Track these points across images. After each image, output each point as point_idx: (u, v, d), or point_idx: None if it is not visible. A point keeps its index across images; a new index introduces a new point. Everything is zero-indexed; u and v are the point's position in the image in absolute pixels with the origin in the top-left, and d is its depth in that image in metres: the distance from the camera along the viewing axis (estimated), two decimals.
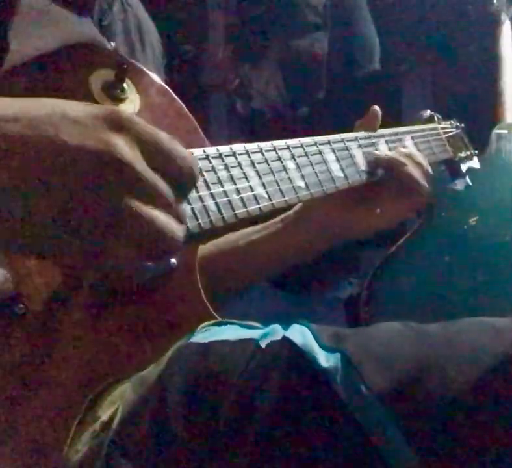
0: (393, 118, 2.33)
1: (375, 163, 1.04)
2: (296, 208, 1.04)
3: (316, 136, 0.95)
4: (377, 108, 1.09)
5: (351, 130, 1.08)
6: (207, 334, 0.70)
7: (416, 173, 1.07)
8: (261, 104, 2.21)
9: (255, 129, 2.26)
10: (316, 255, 1.06)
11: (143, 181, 0.51)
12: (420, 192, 1.08)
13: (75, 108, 0.51)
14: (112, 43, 0.85)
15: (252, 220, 0.81)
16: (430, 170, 1.12)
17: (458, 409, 0.59)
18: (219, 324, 0.73)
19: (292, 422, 0.61)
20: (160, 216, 0.52)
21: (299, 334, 0.66)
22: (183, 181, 0.55)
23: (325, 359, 0.63)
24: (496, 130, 1.75)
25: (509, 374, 0.60)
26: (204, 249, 0.96)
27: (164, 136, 0.54)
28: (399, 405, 0.60)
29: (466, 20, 2.20)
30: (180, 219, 0.55)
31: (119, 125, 0.51)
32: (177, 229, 0.54)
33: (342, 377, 0.61)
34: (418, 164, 1.08)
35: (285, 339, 0.66)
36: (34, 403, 0.60)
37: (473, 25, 2.17)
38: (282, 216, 1.05)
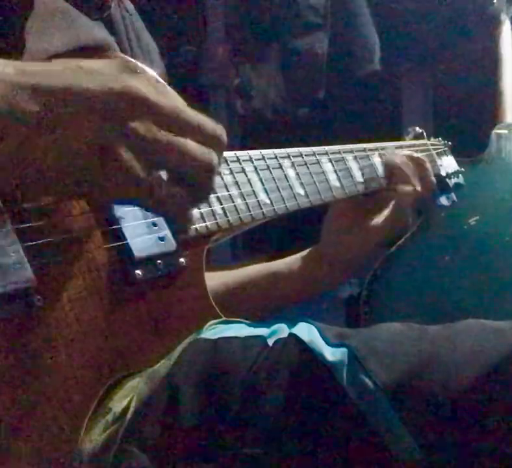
0: (393, 119, 2.33)
1: (385, 166, 1.05)
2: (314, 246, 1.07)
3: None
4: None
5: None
6: (215, 331, 0.73)
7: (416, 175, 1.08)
8: (261, 104, 2.21)
9: (255, 128, 2.26)
10: (337, 283, 1.09)
11: (170, 112, 0.56)
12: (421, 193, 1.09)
13: (87, 61, 0.56)
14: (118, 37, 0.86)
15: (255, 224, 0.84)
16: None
17: (459, 402, 0.61)
18: (226, 322, 0.75)
19: (299, 414, 0.64)
20: (188, 143, 0.57)
21: (306, 331, 0.69)
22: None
23: (331, 354, 0.66)
24: (496, 130, 1.75)
25: (508, 373, 0.61)
26: (228, 283, 1.00)
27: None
28: (402, 398, 0.62)
29: (466, 20, 2.20)
30: (211, 145, 0.59)
31: (131, 69, 0.56)
32: (203, 153, 0.58)
33: (348, 372, 0.64)
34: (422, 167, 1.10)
35: (292, 335, 0.69)
36: (48, 395, 0.61)
37: (473, 25, 2.17)
38: (302, 253, 1.08)
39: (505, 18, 1.96)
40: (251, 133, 2.27)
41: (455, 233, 1.63)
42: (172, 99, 0.58)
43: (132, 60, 0.59)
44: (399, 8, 2.28)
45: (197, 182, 0.59)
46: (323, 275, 1.05)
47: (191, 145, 0.57)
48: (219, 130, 0.60)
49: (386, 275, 1.59)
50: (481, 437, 0.60)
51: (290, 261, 1.06)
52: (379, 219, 1.06)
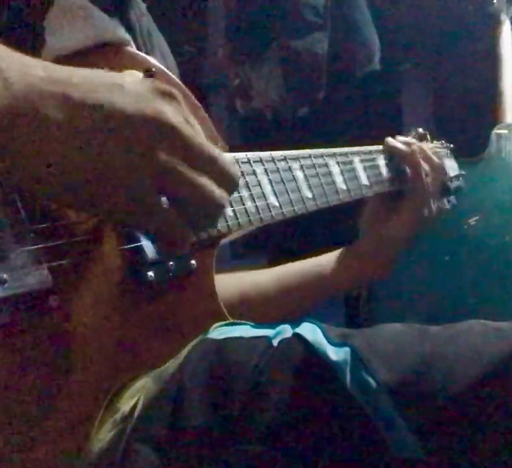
0: (393, 119, 2.33)
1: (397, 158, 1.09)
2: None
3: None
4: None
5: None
6: (221, 332, 0.74)
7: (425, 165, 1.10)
8: (261, 104, 2.21)
9: (255, 128, 2.26)
10: (377, 279, 1.11)
11: (194, 145, 0.57)
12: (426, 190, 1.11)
13: (129, 79, 0.56)
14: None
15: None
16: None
17: (460, 401, 0.61)
18: (231, 324, 0.75)
19: (302, 413, 0.64)
20: (207, 182, 0.58)
21: (309, 331, 0.70)
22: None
23: (335, 354, 0.66)
24: (496, 130, 1.75)
25: (509, 373, 0.61)
26: (261, 284, 1.01)
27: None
28: (404, 396, 0.62)
29: (466, 20, 2.20)
30: (224, 187, 0.59)
31: (166, 94, 0.56)
32: (221, 196, 0.59)
33: (351, 371, 0.65)
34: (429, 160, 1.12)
35: (296, 335, 0.69)
36: (60, 395, 0.61)
37: (473, 25, 2.17)
38: (335, 252, 1.09)
39: (505, 18, 1.96)
40: (251, 133, 2.27)
41: (455, 232, 1.63)
42: (198, 129, 0.58)
43: (166, 85, 0.58)
44: (399, 8, 2.29)
45: (203, 219, 0.60)
46: (359, 272, 1.06)
47: (211, 186, 0.58)
48: (237, 172, 0.61)
49: None
50: (483, 437, 0.60)
51: (324, 260, 1.07)
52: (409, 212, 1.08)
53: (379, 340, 0.68)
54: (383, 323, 0.73)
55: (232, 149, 0.81)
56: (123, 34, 0.79)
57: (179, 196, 0.57)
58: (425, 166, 1.10)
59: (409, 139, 1.14)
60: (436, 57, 2.34)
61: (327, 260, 1.06)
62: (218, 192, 0.58)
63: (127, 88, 0.54)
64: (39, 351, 0.60)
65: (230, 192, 0.61)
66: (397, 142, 1.12)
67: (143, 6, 0.93)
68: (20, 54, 0.51)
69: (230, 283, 0.95)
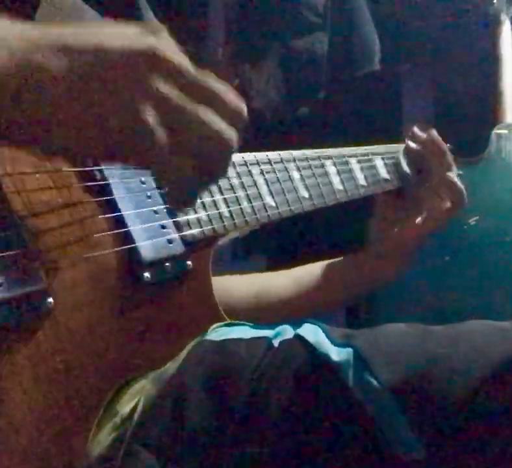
0: (393, 119, 2.33)
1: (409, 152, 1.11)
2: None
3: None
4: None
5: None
6: (220, 333, 0.73)
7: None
8: (261, 104, 2.21)
9: (254, 129, 2.26)
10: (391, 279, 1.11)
11: (191, 74, 0.56)
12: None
13: (113, 26, 0.56)
14: None
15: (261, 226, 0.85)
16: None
17: (463, 401, 0.61)
18: (230, 325, 0.75)
19: (305, 414, 0.64)
20: (213, 117, 0.55)
21: (311, 331, 0.70)
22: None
23: (337, 355, 0.66)
24: (496, 130, 1.75)
25: None
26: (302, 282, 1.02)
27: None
28: (407, 397, 0.63)
29: (466, 20, 2.20)
30: (231, 123, 0.57)
31: (154, 30, 0.56)
32: (230, 133, 0.56)
33: (353, 372, 0.65)
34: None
35: (297, 336, 0.68)
36: (57, 397, 0.60)
37: (473, 25, 2.17)
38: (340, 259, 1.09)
39: (505, 18, 1.96)
40: (251, 133, 2.27)
41: (455, 232, 1.63)
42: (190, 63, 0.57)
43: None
44: (399, 8, 2.28)
45: (212, 161, 0.57)
46: (377, 274, 1.07)
47: (214, 119, 0.55)
48: (242, 106, 0.58)
49: None
50: (486, 437, 0.60)
51: (338, 264, 1.07)
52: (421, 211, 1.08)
53: (382, 341, 0.68)
54: (383, 323, 0.73)
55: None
56: None
57: (186, 134, 0.54)
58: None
59: (425, 135, 1.14)
60: (436, 57, 2.33)
61: (341, 265, 1.06)
62: (225, 127, 0.56)
63: (117, 30, 0.55)
64: (34, 354, 0.60)
65: (237, 128, 0.58)
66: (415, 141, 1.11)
67: (146, 6, 0.93)
68: (5, 20, 0.52)
69: (246, 285, 0.95)
